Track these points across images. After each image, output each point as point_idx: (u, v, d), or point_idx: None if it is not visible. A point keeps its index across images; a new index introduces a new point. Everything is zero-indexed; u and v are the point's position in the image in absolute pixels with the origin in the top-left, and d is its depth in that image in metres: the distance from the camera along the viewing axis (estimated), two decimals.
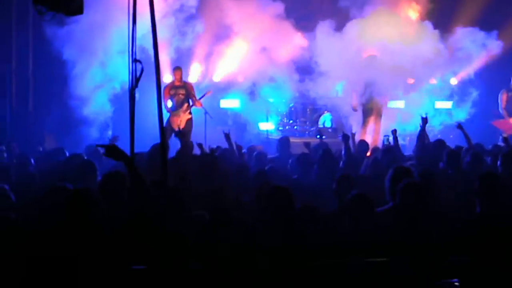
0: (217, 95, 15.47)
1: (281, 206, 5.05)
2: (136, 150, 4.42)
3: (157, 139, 7.73)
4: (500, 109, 14.03)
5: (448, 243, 4.68)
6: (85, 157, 7.94)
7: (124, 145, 4.58)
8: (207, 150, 9.40)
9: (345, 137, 9.10)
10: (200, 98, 13.61)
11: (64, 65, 13.20)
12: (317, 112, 16.36)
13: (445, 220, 5.06)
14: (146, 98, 6.48)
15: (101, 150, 4.81)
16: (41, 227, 4.78)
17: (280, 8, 14.89)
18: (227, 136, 9.71)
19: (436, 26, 14.47)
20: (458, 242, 4.71)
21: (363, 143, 10.39)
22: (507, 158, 7.47)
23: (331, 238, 4.91)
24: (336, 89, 15.84)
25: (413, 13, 15.18)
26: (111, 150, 4.40)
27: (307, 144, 10.28)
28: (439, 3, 15.34)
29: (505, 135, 11.27)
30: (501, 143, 10.19)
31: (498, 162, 7.53)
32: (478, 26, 14.62)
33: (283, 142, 10.07)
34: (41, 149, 11.38)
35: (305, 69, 15.29)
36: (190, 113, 13.57)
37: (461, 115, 15.05)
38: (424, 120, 9.68)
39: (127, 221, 4.57)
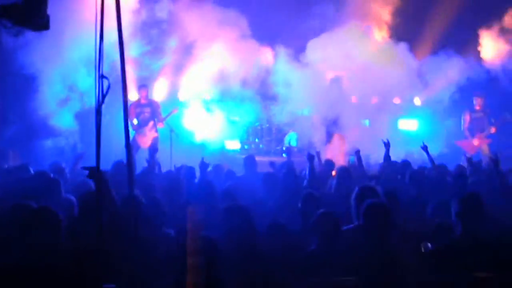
0: (183, 113, 15.43)
1: (242, 224, 5.10)
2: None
3: (121, 156, 7.77)
4: (463, 130, 14.27)
5: (416, 263, 4.73)
6: (51, 175, 7.82)
7: (89, 162, 4.53)
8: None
9: (310, 157, 9.15)
10: (165, 117, 13.57)
11: (27, 79, 13.00)
12: (283, 131, 16.43)
13: (409, 240, 5.10)
14: (111, 115, 6.44)
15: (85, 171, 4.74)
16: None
17: (244, 27, 14.94)
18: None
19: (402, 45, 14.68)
20: (435, 262, 4.76)
21: (329, 162, 10.46)
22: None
23: (297, 256, 4.94)
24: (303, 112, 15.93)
25: (380, 32, 15.38)
26: (94, 171, 4.35)
27: (272, 163, 10.32)
28: (405, 24, 15.57)
29: (468, 155, 11.46)
30: (464, 163, 10.34)
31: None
32: (442, 49, 14.89)
33: (249, 160, 10.08)
34: (6, 166, 11.15)
35: (267, 93, 15.34)
36: (156, 131, 13.52)
37: (425, 135, 15.25)
38: (387, 145, 9.84)
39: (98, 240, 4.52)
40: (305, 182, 8.53)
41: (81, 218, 4.61)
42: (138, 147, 12.89)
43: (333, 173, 9.70)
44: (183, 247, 4.89)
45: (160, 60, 15.10)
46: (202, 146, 15.05)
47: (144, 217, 5.20)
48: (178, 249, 4.94)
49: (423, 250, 4.96)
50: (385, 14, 15.44)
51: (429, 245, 5.03)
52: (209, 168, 9.57)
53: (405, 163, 9.45)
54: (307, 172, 9.05)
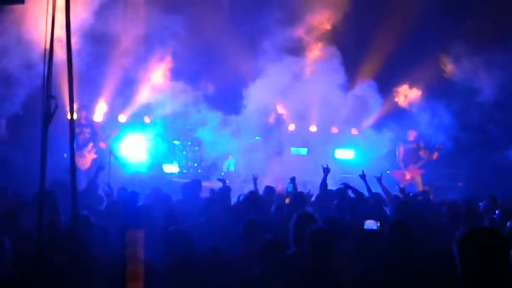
0: (123, 135, 15.32)
1: (182, 247, 5.19)
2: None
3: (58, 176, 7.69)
4: (397, 161, 14.65)
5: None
6: None
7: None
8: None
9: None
10: (106, 137, 13.44)
11: None
12: (222, 156, 16.47)
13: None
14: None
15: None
16: None
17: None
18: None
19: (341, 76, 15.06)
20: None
21: (269, 189, 10.55)
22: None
23: (239, 280, 5.00)
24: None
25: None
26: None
27: (212, 190, 10.34)
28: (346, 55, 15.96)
29: (401, 185, 11.77)
30: (397, 193, 10.60)
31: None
32: (380, 81, 15.36)
33: (194, 185, 10.06)
34: None
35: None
36: (95, 153, 13.36)
37: (362, 164, 15.57)
38: (326, 170, 10.03)
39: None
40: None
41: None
42: (79, 170, 12.73)
43: (287, 200, 9.72)
44: (121, 271, 4.88)
45: (100, 81, 15.07)
46: (141, 169, 14.97)
47: (87, 239, 5.18)
48: (115, 273, 4.94)
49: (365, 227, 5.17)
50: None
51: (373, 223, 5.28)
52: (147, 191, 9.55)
53: (342, 191, 9.55)
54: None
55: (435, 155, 14.24)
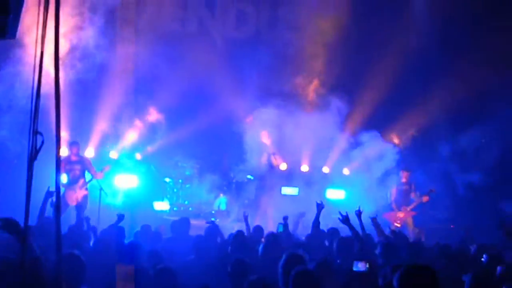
0: (113, 172, 15.26)
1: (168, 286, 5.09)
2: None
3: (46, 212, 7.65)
4: (390, 202, 14.57)
5: None
6: None
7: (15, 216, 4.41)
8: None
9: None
10: (101, 172, 13.38)
11: None
12: (213, 194, 16.39)
13: None
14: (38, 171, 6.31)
15: None
16: None
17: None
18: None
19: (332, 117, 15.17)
20: None
21: (258, 228, 10.49)
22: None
23: None
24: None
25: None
26: (8, 223, 4.25)
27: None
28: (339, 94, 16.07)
29: (393, 227, 11.69)
30: (389, 235, 10.52)
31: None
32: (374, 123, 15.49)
33: (183, 222, 10.01)
34: None
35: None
36: (86, 189, 13.27)
37: (353, 204, 15.50)
38: (319, 206, 9.94)
39: None
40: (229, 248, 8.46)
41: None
42: (67, 205, 12.64)
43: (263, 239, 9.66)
44: None
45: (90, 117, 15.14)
46: (131, 206, 14.86)
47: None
48: None
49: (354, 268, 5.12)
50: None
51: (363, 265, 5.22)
52: (137, 229, 9.48)
53: (333, 231, 9.50)
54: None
55: (425, 198, 14.17)
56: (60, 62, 4.08)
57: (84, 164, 13.40)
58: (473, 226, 13.28)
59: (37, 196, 6.06)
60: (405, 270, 3.66)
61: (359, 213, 9.73)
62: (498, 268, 6.39)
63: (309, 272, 4.93)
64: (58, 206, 4.29)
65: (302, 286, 4.72)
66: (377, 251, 7.81)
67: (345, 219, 8.77)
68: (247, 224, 10.53)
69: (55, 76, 4.24)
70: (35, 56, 4.06)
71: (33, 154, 4.20)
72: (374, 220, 9.76)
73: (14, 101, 12.05)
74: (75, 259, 5.48)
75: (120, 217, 8.90)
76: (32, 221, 7.54)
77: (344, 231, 10.02)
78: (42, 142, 4.20)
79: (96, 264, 6.40)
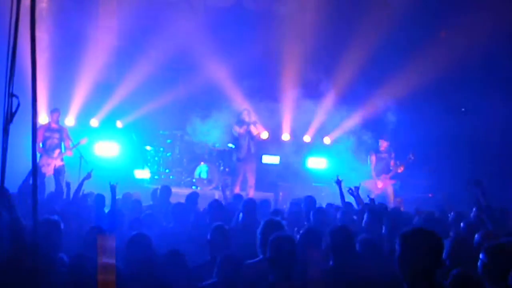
0: (94, 140, 15.15)
1: (142, 252, 5.19)
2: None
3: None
4: (370, 170, 14.56)
5: None
6: None
7: None
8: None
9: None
10: (74, 146, 13.18)
11: None
12: (194, 162, 16.36)
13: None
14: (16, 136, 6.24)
15: None
16: None
17: None
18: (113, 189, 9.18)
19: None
20: None
21: (238, 196, 10.51)
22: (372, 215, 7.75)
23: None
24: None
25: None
26: None
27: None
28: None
29: (372, 195, 11.71)
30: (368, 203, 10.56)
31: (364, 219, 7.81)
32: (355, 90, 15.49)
33: (163, 190, 10.02)
34: None
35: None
36: (61, 160, 13.11)
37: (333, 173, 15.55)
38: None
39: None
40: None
41: None
42: (44, 175, 12.53)
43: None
44: (82, 275, 4.81)
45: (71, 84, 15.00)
46: (112, 173, 14.79)
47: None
48: (73, 277, 4.86)
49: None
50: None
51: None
52: (118, 196, 9.42)
53: (310, 200, 9.35)
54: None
55: (400, 169, 14.18)
56: (37, 25, 4.02)
57: (62, 134, 13.22)
58: (452, 194, 13.42)
59: (14, 162, 5.97)
60: (411, 234, 3.70)
61: (339, 182, 9.85)
62: (476, 235, 6.45)
63: (288, 237, 4.92)
64: (35, 172, 4.26)
65: (280, 252, 4.71)
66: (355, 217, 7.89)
67: (338, 182, 9.81)
68: (224, 195, 10.53)
69: (31, 36, 4.18)
70: (10, 16, 3.99)
71: (9, 117, 4.15)
72: (356, 189, 9.67)
73: None
74: (52, 224, 5.45)
75: (113, 188, 8.74)
76: (13, 189, 7.50)
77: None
78: (18, 105, 4.15)
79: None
